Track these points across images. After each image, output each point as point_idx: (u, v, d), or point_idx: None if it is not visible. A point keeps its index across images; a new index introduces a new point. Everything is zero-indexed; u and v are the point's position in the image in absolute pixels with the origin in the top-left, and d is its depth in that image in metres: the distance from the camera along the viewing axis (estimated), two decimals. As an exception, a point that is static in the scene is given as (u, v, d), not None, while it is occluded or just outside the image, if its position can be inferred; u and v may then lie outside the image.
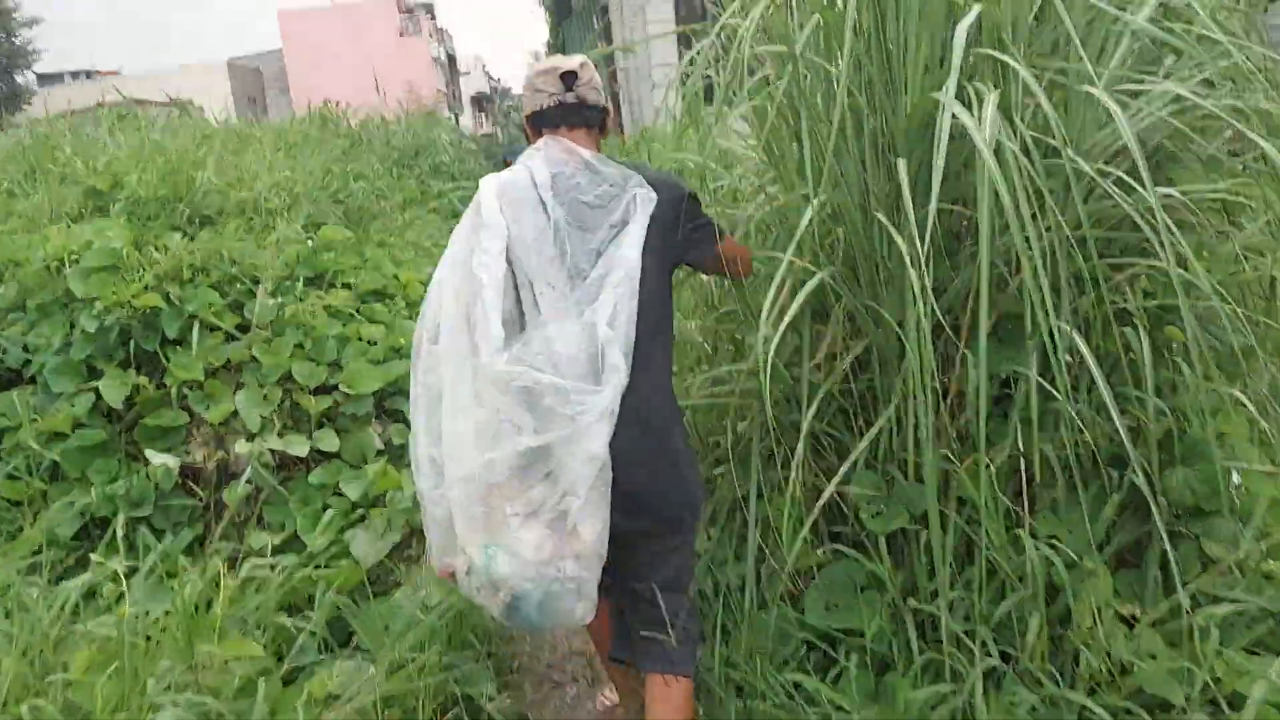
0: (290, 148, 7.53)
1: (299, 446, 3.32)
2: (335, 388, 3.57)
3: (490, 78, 51.59)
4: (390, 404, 3.69)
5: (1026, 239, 1.52)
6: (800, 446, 1.89)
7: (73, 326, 3.48)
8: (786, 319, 1.77)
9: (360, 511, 3.06)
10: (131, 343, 3.46)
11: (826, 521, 2.12)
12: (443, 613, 2.35)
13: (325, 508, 3.12)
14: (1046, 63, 1.83)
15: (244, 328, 3.66)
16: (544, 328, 1.70)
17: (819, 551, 2.10)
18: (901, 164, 1.65)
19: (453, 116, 25.38)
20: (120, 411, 3.32)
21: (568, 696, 2.51)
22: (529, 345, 1.69)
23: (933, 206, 1.51)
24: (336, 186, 6.66)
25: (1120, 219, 1.85)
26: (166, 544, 2.89)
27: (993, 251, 1.56)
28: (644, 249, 1.76)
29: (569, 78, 1.89)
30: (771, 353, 1.71)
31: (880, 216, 1.79)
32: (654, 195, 1.80)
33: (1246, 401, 1.93)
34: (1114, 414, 1.68)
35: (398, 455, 3.39)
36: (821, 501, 1.96)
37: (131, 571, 2.35)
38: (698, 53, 2.09)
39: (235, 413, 3.34)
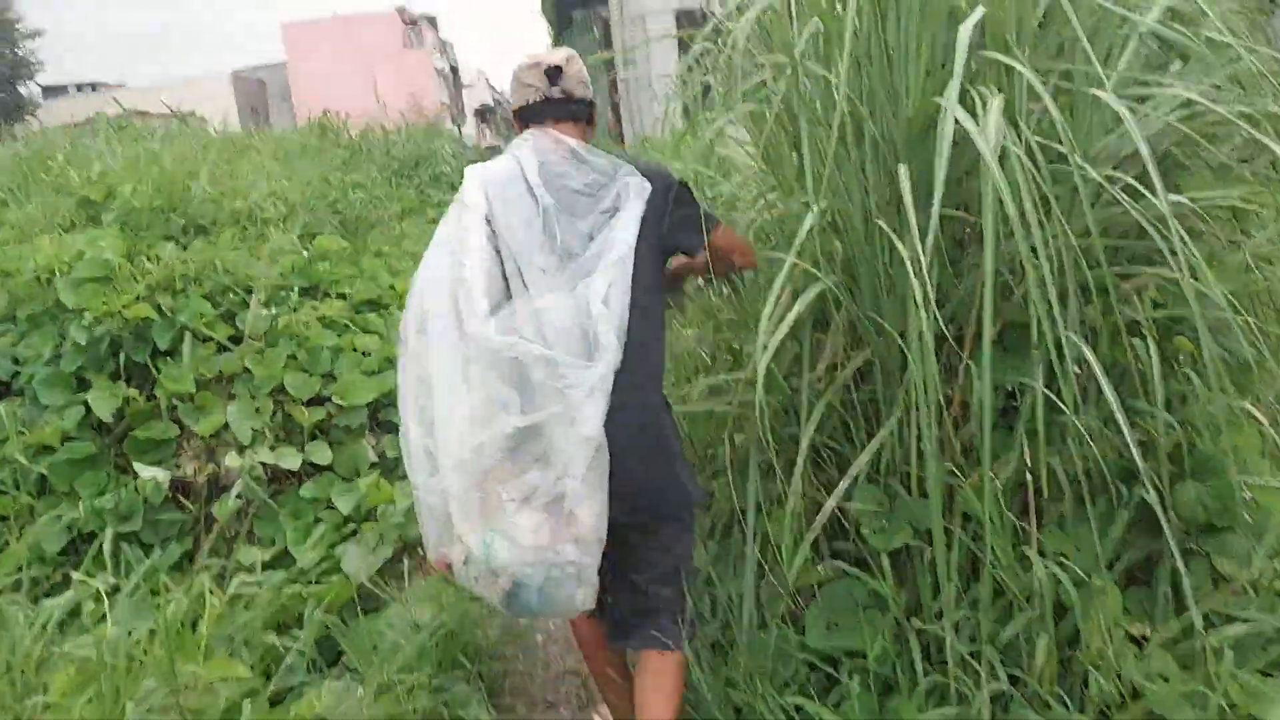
0: (288, 157, 7.51)
1: (291, 459, 3.27)
2: (328, 399, 3.53)
3: (493, 90, 51.74)
4: (384, 416, 3.65)
5: (1032, 246, 1.48)
6: (800, 459, 1.85)
7: (63, 338, 3.44)
8: (785, 326, 1.72)
9: (352, 526, 3.02)
10: (122, 354, 3.42)
11: (827, 538, 2.08)
12: (433, 631, 2.30)
13: (317, 521, 3.09)
14: (1052, 65, 1.79)
15: (236, 339, 3.62)
16: (532, 301, 1.68)
17: (820, 569, 2.05)
18: (903, 170, 1.61)
19: (456, 128, 25.46)
20: (110, 424, 3.28)
21: (560, 718, 2.45)
22: (516, 315, 1.66)
23: (935, 213, 1.46)
24: (334, 196, 6.64)
25: (1128, 227, 1.81)
26: (154, 559, 2.85)
27: (997, 259, 1.53)
28: (639, 236, 1.74)
29: (554, 73, 1.90)
30: (769, 361, 1.67)
31: (882, 223, 1.75)
32: (648, 184, 1.79)
33: (1258, 414, 1.88)
34: (1123, 427, 1.63)
35: (391, 468, 3.35)
36: (822, 517, 1.92)
37: (114, 589, 2.30)
38: (696, 60, 2.06)
39: (226, 425, 3.29)
